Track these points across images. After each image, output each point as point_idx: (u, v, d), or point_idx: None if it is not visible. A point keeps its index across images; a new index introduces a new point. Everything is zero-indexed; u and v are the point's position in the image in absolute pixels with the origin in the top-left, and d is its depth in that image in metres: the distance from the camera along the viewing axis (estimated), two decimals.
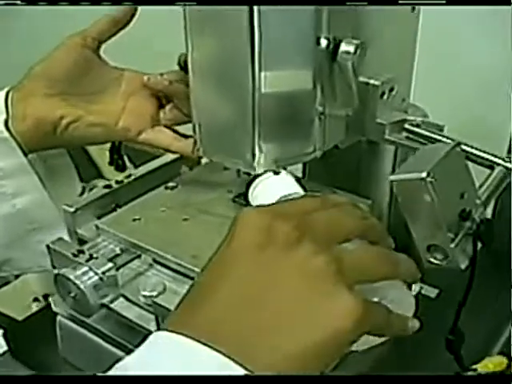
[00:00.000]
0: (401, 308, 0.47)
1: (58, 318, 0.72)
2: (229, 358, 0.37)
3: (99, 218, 0.70)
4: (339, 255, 0.42)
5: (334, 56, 0.61)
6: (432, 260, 0.55)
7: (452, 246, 0.54)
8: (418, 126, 0.70)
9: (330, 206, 0.48)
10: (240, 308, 0.40)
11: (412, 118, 0.71)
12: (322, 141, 0.66)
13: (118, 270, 0.62)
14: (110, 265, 0.59)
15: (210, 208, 0.69)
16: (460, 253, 0.54)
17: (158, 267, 0.63)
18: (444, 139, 0.67)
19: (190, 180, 0.75)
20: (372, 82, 0.68)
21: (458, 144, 0.56)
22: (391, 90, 0.70)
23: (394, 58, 0.70)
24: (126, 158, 1.51)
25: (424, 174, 0.51)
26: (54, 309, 0.71)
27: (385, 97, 0.70)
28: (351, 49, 0.59)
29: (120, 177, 0.73)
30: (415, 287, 0.71)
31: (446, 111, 0.75)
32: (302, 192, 0.63)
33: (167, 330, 0.40)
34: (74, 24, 0.70)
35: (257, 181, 0.64)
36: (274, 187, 0.64)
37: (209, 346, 0.37)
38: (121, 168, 1.52)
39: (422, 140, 0.69)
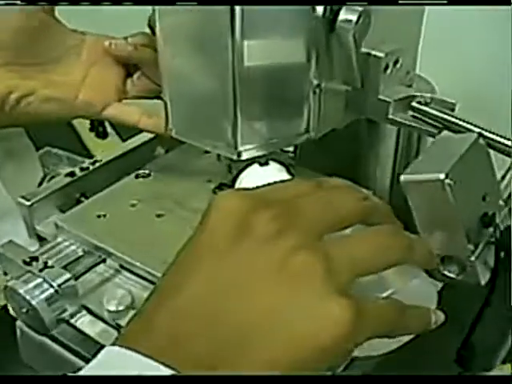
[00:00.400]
0: (420, 299, 0.40)
1: (18, 322, 0.63)
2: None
3: (61, 210, 0.61)
4: (329, 249, 0.35)
5: (332, 25, 0.51)
6: (446, 273, 0.47)
7: (472, 258, 0.45)
8: (426, 104, 0.61)
9: (322, 189, 0.40)
10: (203, 316, 0.34)
11: (419, 94, 0.62)
12: (316, 120, 0.57)
13: (78, 278, 0.53)
14: (68, 275, 0.51)
15: (187, 201, 0.59)
16: (481, 266, 0.46)
17: (126, 273, 0.55)
18: (456, 120, 0.58)
19: (165, 166, 0.65)
20: (374, 53, 0.58)
21: (480, 135, 0.47)
22: (396, 62, 0.61)
23: (399, 25, 0.61)
24: (107, 124, 1.41)
25: (442, 176, 0.42)
26: (12, 312, 0.62)
27: (388, 70, 0.60)
28: (353, 17, 0.50)
29: (86, 163, 0.64)
30: None
31: (451, 83, 0.67)
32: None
33: (118, 344, 0.34)
34: (74, 24, 0.62)
35: (241, 176, 0.55)
36: (260, 176, 0.55)
37: (161, 363, 0.32)
38: (102, 135, 1.43)
39: (430, 121, 0.60)
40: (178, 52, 0.53)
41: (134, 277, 0.54)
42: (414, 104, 0.61)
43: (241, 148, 0.53)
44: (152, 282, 0.52)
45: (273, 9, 0.49)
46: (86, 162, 0.64)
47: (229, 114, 0.52)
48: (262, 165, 0.55)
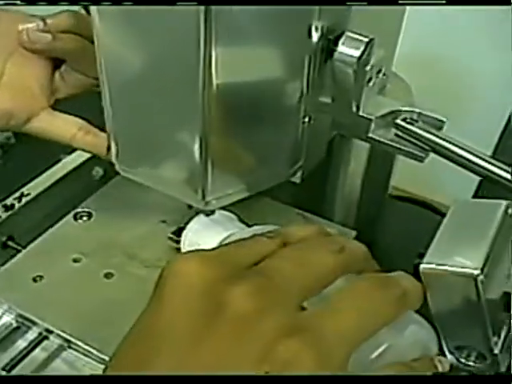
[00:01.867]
0: (419, 346, 0.35)
1: None
2: None
3: None
4: (316, 326, 0.29)
5: (328, 54, 0.42)
6: (463, 361, 0.41)
7: (496, 351, 0.39)
8: (412, 121, 0.53)
9: (292, 247, 0.34)
10: None
11: (404, 109, 0.54)
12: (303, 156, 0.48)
13: (14, 367, 0.44)
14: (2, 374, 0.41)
15: (138, 252, 0.50)
16: (503, 354, 0.40)
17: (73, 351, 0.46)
18: (445, 143, 0.51)
19: (107, 203, 0.55)
20: None
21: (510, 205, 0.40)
22: (378, 72, 0.52)
23: (382, 27, 0.51)
24: None
25: (476, 272, 0.35)
26: None
27: (371, 83, 0.51)
28: (355, 53, 0.41)
29: (9, 199, 0.53)
30: None
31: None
32: (246, 229, 0.47)
33: None
34: None
35: (187, 228, 0.46)
36: (209, 228, 0.47)
37: None
38: None
39: (416, 141, 0.52)
40: (124, 50, 0.41)
41: (83, 356, 0.45)
42: (398, 121, 0.53)
43: (210, 196, 0.44)
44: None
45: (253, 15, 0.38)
46: (10, 198, 0.52)
47: (195, 148, 0.41)
48: (208, 214, 0.47)
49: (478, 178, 0.50)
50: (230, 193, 0.44)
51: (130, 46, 0.41)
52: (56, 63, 0.50)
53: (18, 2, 0.49)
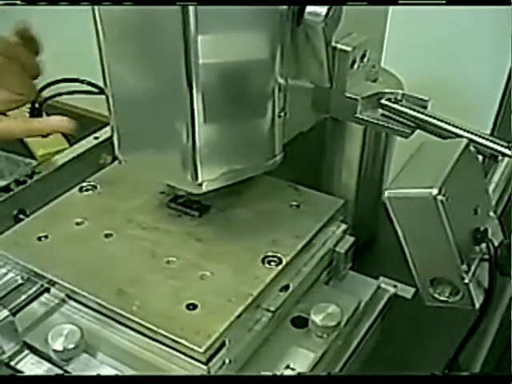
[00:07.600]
0: None
1: None
2: None
3: None
4: None
5: (298, 18, 0.46)
6: (437, 296, 0.42)
7: (466, 280, 0.41)
8: (396, 101, 0.56)
9: None
10: None
11: (389, 90, 0.57)
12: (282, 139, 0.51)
13: (18, 312, 0.46)
14: (5, 312, 0.44)
15: (138, 217, 0.53)
16: (475, 287, 0.41)
17: (74, 302, 0.48)
18: (430, 119, 0.54)
19: (112, 178, 0.58)
20: (341, 46, 0.53)
21: (470, 141, 0.42)
22: (363, 56, 0.56)
23: (365, 14, 0.55)
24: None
25: (434, 191, 0.37)
26: None
27: (355, 65, 0.55)
28: (322, 10, 0.44)
29: (22, 176, 0.56)
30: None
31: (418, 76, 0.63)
32: None
33: None
34: (75, 25, 0.59)
35: None
36: None
37: None
38: None
39: (402, 119, 0.55)
40: (120, 56, 0.45)
41: (83, 307, 0.47)
42: (383, 101, 0.56)
43: (201, 178, 0.46)
44: (104, 314, 0.46)
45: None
46: (23, 175, 0.56)
47: (184, 134, 0.45)
48: None
49: None
50: (219, 175, 0.47)
51: (127, 54, 0.45)
52: None
53: (18, 2, 0.52)
